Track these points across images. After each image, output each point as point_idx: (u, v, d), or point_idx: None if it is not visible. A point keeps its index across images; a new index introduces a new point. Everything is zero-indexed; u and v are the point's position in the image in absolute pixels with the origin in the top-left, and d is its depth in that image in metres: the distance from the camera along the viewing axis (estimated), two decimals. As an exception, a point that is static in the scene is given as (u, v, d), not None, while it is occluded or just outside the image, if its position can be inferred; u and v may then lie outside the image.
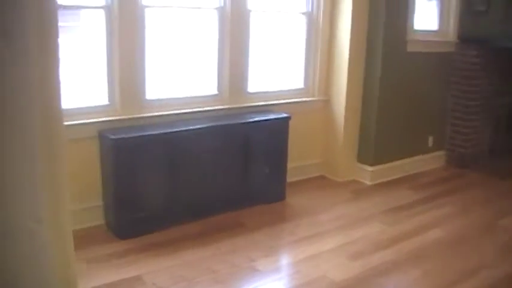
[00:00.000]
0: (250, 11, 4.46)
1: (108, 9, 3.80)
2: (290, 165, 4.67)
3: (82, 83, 3.95)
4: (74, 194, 3.81)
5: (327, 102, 5.13)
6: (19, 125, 1.82)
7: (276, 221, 4.18)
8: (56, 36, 2.04)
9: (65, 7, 3.74)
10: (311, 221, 4.18)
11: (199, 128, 4.04)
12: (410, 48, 5.10)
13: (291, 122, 4.52)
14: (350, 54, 4.88)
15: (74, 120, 3.74)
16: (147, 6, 3.96)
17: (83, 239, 3.72)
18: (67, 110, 3.73)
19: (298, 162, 5.01)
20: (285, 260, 3.68)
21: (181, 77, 4.38)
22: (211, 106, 4.41)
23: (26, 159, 1.83)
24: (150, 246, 3.65)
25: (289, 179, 4.71)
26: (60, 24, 3.94)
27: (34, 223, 1.42)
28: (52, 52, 2.05)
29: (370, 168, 5.12)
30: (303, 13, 4.93)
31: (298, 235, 3.92)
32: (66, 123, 3.64)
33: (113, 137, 3.65)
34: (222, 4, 4.32)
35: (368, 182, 5.13)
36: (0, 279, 1.79)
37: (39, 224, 1.35)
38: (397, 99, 5.14)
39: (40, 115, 1.94)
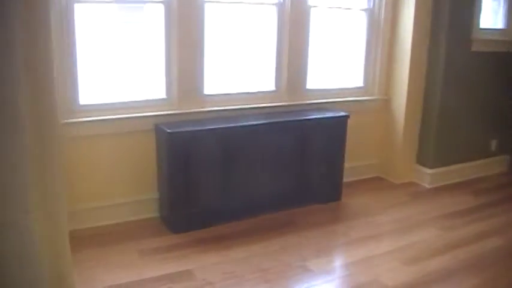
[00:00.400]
0: (310, 7, 4.41)
1: (167, 3, 3.82)
2: (347, 165, 4.59)
3: (142, 76, 4.00)
4: (130, 186, 3.91)
5: (386, 102, 5.01)
6: (9, 119, 1.81)
7: (329, 221, 4.12)
8: (47, 31, 2.03)
9: (128, 1, 3.80)
10: (366, 223, 4.09)
11: (256, 124, 4.02)
12: (474, 47, 4.91)
13: (349, 121, 4.44)
14: (412, 53, 4.74)
15: (131, 113, 3.80)
16: (207, 1, 3.96)
17: (137, 231, 3.79)
18: (125, 103, 3.84)
19: (355, 162, 4.92)
20: (336, 261, 3.62)
21: (239, 72, 4.38)
22: (268, 103, 4.38)
23: (16, 154, 1.81)
24: (201, 241, 3.66)
25: (346, 179, 4.63)
26: (124, 19, 4.01)
27: (21, 213, 1.40)
28: (42, 48, 2.04)
29: (429, 171, 4.97)
30: (364, 10, 4.83)
31: (351, 236, 3.85)
32: (123, 115, 3.75)
33: (168, 130, 3.67)
34: (282, 0, 4.28)
35: (427, 185, 4.98)
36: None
37: (25, 214, 1.32)
38: (459, 100, 4.96)
39: (30, 110, 1.93)
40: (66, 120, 3.58)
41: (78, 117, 3.65)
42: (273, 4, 4.30)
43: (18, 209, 1.76)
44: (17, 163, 1.80)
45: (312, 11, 4.43)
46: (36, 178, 1.86)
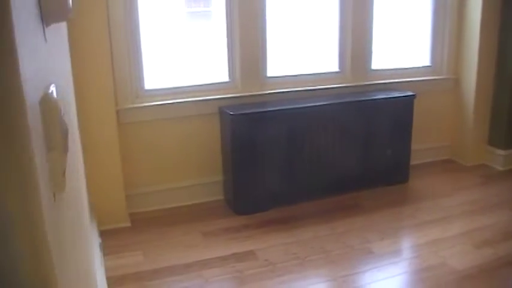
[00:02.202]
0: (374, -15, 4.32)
1: (229, -14, 3.84)
2: (414, 146, 4.48)
3: (205, 60, 4.05)
4: (195, 169, 3.97)
5: (455, 81, 4.84)
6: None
7: (396, 204, 4.05)
8: None
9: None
10: (434, 205, 3.99)
11: (320, 106, 3.99)
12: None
13: (416, 102, 4.33)
14: (481, 29, 4.53)
15: (195, 97, 3.86)
16: (269, -17, 3.95)
17: (201, 213, 3.86)
18: (189, 86, 3.89)
19: (424, 144, 4.80)
20: (403, 244, 3.55)
21: (302, 54, 4.35)
22: (332, 84, 4.33)
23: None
24: (265, 223, 3.69)
25: (413, 161, 4.53)
26: (193, 9, 4.06)
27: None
28: None
29: (502, 152, 4.78)
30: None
31: (419, 219, 3.77)
32: (187, 99, 3.81)
33: (231, 113, 3.70)
34: (344, -22, 4.22)
35: (499, 167, 4.79)
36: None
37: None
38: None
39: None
40: (131, 105, 3.68)
41: (144, 102, 3.74)
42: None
43: None
44: None
45: (377, -10, 4.34)
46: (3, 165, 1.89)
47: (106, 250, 3.26)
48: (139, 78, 3.73)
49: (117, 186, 3.62)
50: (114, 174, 3.59)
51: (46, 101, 0.83)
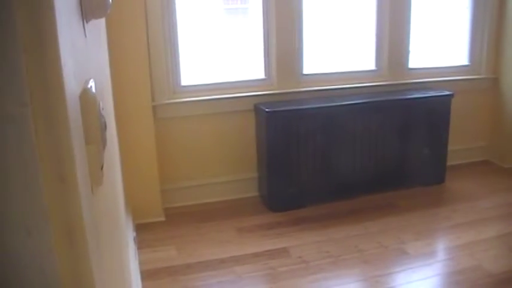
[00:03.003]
0: (412, -17, 4.26)
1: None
2: (451, 147, 4.41)
3: (241, 57, 4.06)
4: (230, 166, 3.99)
5: (495, 81, 4.74)
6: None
7: (431, 204, 3.99)
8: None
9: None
10: (470, 207, 3.92)
11: (356, 104, 3.96)
12: None
13: (453, 101, 4.26)
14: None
15: (231, 94, 3.87)
16: (306, -20, 3.94)
17: (236, 209, 3.87)
18: (225, 83, 3.92)
19: (461, 144, 4.72)
20: (437, 245, 3.50)
21: (338, 51, 4.33)
22: (369, 82, 4.30)
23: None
24: (299, 220, 3.68)
25: (450, 161, 4.46)
26: (234, 6, 4.10)
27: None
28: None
29: (541, 154, 4.68)
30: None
31: (454, 220, 3.71)
32: (224, 96, 3.83)
33: (267, 109, 3.70)
34: (382, -24, 4.17)
35: (539, 169, 4.69)
36: None
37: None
38: None
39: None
40: (168, 101, 3.71)
41: (180, 98, 3.77)
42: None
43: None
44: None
45: (415, -12, 4.28)
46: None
47: (140, 244, 3.30)
48: (176, 74, 3.77)
49: (152, 180, 3.66)
50: (149, 168, 3.63)
51: (85, 95, 0.84)
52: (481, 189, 4.27)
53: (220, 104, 3.86)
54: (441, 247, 3.46)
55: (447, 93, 4.24)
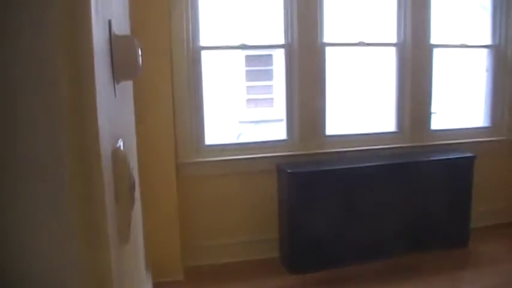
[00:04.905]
0: (432, 46, 4.32)
1: (288, 47, 3.93)
2: (475, 209, 4.35)
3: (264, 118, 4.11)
4: (252, 225, 3.98)
5: (517, 142, 4.73)
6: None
7: (455, 268, 3.91)
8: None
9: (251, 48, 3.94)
10: (496, 271, 3.83)
11: (378, 166, 3.96)
12: None
13: (476, 162, 4.24)
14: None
15: (253, 154, 3.91)
16: (327, 44, 4.02)
17: (255, 270, 3.84)
18: (247, 143, 3.96)
19: (485, 206, 4.65)
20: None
21: (361, 113, 4.36)
22: (391, 144, 4.31)
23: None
24: (317, 283, 3.64)
25: (474, 224, 4.38)
26: (257, 68, 4.21)
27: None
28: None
29: None
30: (489, 46, 4.63)
31: (480, 283, 3.63)
32: (246, 156, 3.86)
33: (289, 170, 3.71)
34: (402, 40, 4.24)
35: None
36: None
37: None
38: None
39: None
40: (192, 160, 3.75)
41: (204, 157, 3.81)
42: (394, 45, 4.26)
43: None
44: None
45: (435, 50, 4.34)
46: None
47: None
48: (201, 134, 3.82)
49: (173, 239, 3.65)
50: (171, 226, 3.63)
51: (116, 154, 0.87)
52: (507, 253, 4.18)
53: (243, 164, 3.88)
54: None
55: (469, 155, 4.22)
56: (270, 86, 4.50)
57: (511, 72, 4.60)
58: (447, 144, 4.45)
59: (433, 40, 4.31)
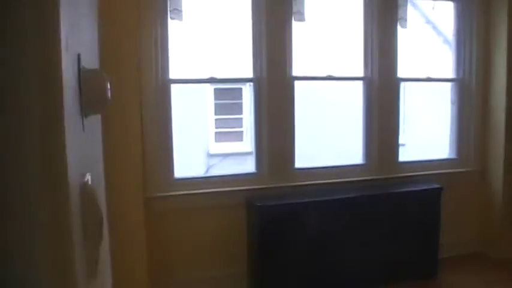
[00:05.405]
0: (399, 79, 4.41)
1: (257, 81, 3.96)
2: (443, 240, 4.39)
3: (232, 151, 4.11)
4: (221, 259, 3.94)
5: (483, 173, 4.81)
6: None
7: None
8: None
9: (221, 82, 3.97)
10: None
11: (346, 198, 3.99)
12: None
13: (444, 194, 4.29)
14: (506, 120, 4.56)
15: (224, 187, 3.89)
16: (296, 78, 4.06)
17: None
18: (216, 177, 3.95)
19: (453, 237, 4.69)
20: None
21: (329, 146, 4.40)
22: (359, 176, 4.34)
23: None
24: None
25: (443, 254, 4.42)
26: (227, 101, 4.23)
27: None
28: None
29: (533, 245, 4.66)
30: (454, 79, 4.75)
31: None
32: (216, 189, 3.84)
33: (258, 204, 3.71)
34: (369, 74, 4.31)
35: (532, 261, 4.66)
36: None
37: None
38: None
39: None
40: (160, 194, 3.71)
41: (173, 191, 3.78)
42: (361, 78, 4.33)
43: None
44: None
45: (401, 84, 4.42)
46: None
47: None
48: (169, 167, 3.79)
49: (141, 273, 3.58)
50: (139, 260, 3.56)
51: (85, 189, 0.85)
52: (475, 283, 4.22)
53: (212, 198, 3.86)
54: None
55: (436, 186, 4.28)
56: (240, 119, 4.52)
57: (476, 104, 4.72)
58: (415, 175, 4.51)
59: (400, 74, 4.40)
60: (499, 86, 4.61)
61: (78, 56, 0.97)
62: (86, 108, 1.05)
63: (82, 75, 0.98)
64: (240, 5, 4.23)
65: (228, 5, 5.14)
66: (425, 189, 4.28)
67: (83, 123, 1.04)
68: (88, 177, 0.98)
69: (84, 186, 0.87)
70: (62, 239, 0.65)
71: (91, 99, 1.07)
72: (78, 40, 1.00)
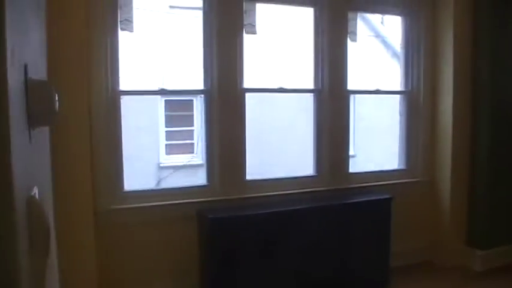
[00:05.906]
0: (349, 92, 4.48)
1: (208, 92, 3.95)
2: (394, 249, 4.46)
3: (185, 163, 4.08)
4: (172, 272, 3.89)
5: (431, 183, 4.92)
6: None
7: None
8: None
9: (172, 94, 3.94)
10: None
11: (298, 209, 4.00)
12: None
13: (394, 204, 4.37)
14: (453, 133, 4.70)
15: (174, 200, 3.86)
16: (247, 90, 4.07)
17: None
18: (167, 189, 3.91)
19: (403, 246, 4.77)
20: None
21: (280, 158, 4.42)
22: (310, 187, 4.37)
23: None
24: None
25: (394, 263, 4.47)
26: (177, 113, 4.20)
27: None
28: None
29: (480, 253, 4.78)
30: (403, 92, 4.86)
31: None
32: (166, 202, 3.81)
33: (210, 216, 3.69)
34: (320, 86, 4.36)
35: (478, 268, 4.77)
36: None
37: None
38: (509, 175, 4.83)
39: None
40: (110, 207, 3.65)
41: (123, 204, 3.72)
42: (311, 91, 4.38)
43: None
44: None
45: (351, 96, 4.49)
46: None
47: None
48: (119, 180, 3.73)
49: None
50: (88, 275, 3.50)
51: (31, 202, 0.83)
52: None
53: (163, 211, 3.82)
54: None
55: (387, 196, 4.35)
56: (191, 131, 4.51)
57: (424, 116, 4.83)
58: (366, 186, 4.58)
59: (350, 86, 4.46)
60: (446, 98, 4.74)
61: (25, 66, 0.94)
62: (33, 119, 1.03)
63: (29, 86, 0.96)
64: (191, 16, 4.23)
65: (179, 16, 5.13)
66: (376, 200, 4.35)
67: (29, 135, 1.02)
68: (35, 190, 0.96)
69: (30, 199, 0.84)
70: (6, 253, 0.63)
71: (38, 111, 1.05)
72: (25, 50, 0.97)
